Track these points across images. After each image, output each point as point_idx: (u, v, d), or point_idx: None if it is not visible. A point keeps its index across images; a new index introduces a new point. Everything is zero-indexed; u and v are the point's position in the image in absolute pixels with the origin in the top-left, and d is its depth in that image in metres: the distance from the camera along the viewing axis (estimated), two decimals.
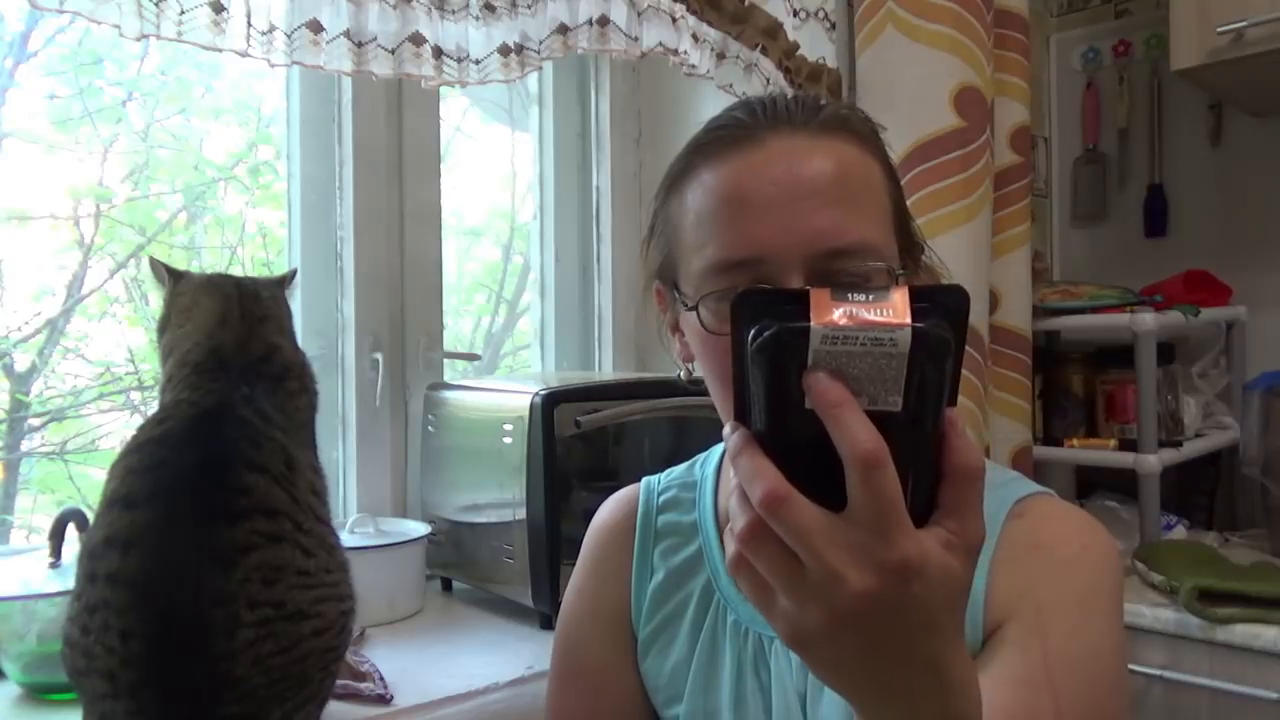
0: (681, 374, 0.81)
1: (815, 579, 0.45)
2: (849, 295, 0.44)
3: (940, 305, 0.45)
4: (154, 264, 0.99)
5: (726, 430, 0.48)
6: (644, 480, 0.91)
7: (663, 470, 0.92)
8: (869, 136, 0.72)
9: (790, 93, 0.77)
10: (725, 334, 0.65)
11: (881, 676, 0.47)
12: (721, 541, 0.83)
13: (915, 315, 0.44)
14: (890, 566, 0.44)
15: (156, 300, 0.99)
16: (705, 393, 0.78)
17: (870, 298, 0.44)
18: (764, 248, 0.66)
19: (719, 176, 0.70)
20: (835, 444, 0.44)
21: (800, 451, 0.46)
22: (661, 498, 0.88)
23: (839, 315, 0.44)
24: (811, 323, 0.44)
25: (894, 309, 0.44)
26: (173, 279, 0.97)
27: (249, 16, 1.01)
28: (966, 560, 0.47)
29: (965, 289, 0.46)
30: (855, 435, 0.43)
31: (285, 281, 1.03)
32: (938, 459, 0.46)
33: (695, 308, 0.69)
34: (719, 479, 0.86)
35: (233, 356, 0.92)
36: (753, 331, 0.45)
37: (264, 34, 1.03)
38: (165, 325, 0.96)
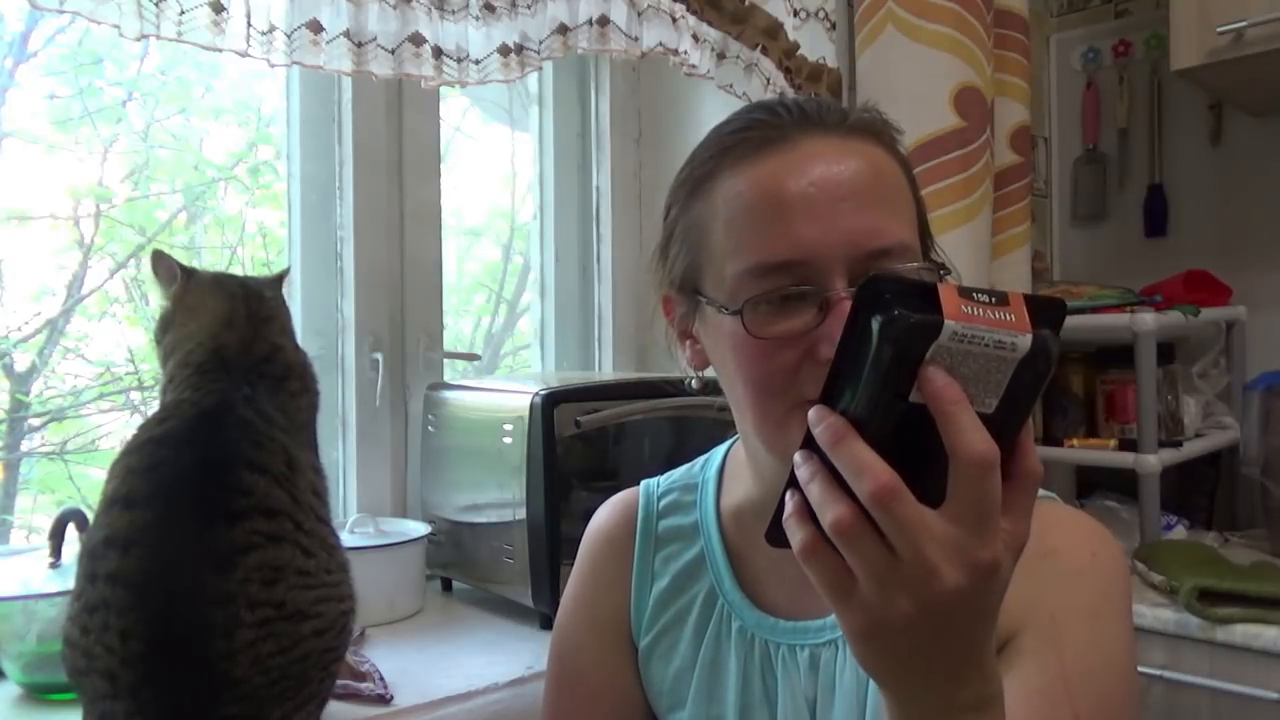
0: (692, 381, 0.79)
1: (910, 572, 0.46)
2: (974, 295, 0.45)
3: (1046, 316, 0.46)
4: (163, 259, 0.96)
5: (813, 415, 0.48)
6: (642, 484, 0.90)
7: (662, 471, 0.91)
8: (891, 140, 0.72)
9: (806, 96, 0.76)
10: (769, 337, 0.65)
11: (936, 666, 0.49)
12: (726, 545, 0.82)
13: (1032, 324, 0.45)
14: (981, 566, 0.47)
15: (157, 298, 0.98)
16: (705, 393, 0.78)
17: (993, 300, 0.45)
18: (806, 249, 0.65)
19: (752, 178, 0.68)
20: (946, 442, 0.45)
21: (890, 441, 0.46)
22: (662, 502, 0.87)
23: (968, 313, 0.44)
24: (945, 318, 0.44)
25: (1015, 314, 0.45)
26: (183, 276, 0.96)
27: (249, 17, 1.01)
28: (1014, 560, 0.49)
29: (1065, 302, 0.48)
30: (971, 437, 0.45)
31: (281, 280, 1.03)
32: (1005, 460, 0.47)
33: (740, 312, 0.67)
34: (721, 481, 0.86)
35: (235, 357, 0.92)
36: (882, 318, 0.45)
37: (264, 34, 1.03)
38: (169, 322, 0.95)
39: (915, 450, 0.46)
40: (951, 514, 0.46)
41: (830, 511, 0.47)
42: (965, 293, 0.45)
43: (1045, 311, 0.46)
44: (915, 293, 0.45)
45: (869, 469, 0.46)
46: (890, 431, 0.46)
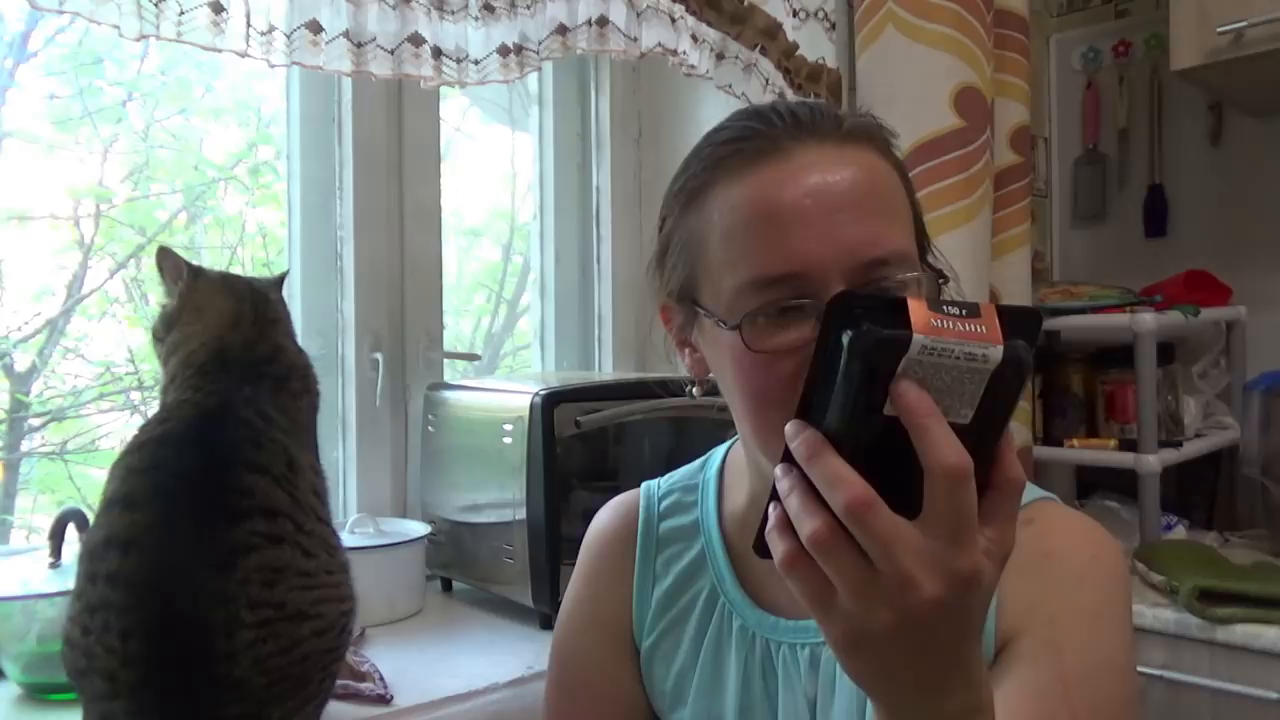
0: (695, 390, 0.79)
1: (888, 584, 0.47)
2: (944, 308, 0.46)
3: (1020, 326, 0.46)
4: (170, 256, 0.95)
5: (790, 430, 0.49)
6: (643, 486, 0.90)
7: (663, 472, 0.91)
8: (886, 145, 0.72)
9: (797, 99, 0.75)
10: (768, 351, 0.65)
11: (922, 676, 0.50)
12: (727, 546, 0.82)
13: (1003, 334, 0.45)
14: (960, 575, 0.47)
15: (160, 295, 0.97)
16: (705, 394, 0.78)
17: (963, 312, 0.46)
18: (803, 261, 0.64)
19: (748, 190, 0.67)
20: (920, 454, 0.46)
21: (868, 455, 0.47)
22: (663, 504, 0.87)
23: (938, 326, 0.45)
24: (914, 333, 0.45)
25: (986, 326, 0.45)
26: (191, 274, 0.95)
27: (248, 17, 1.01)
28: (998, 568, 0.49)
29: (1041, 312, 0.49)
30: (943, 449, 0.45)
31: (282, 282, 1.03)
32: (985, 470, 0.48)
33: (738, 326, 0.66)
34: (722, 482, 0.86)
35: (237, 357, 0.92)
36: (851, 334, 0.46)
37: (263, 34, 1.03)
38: (174, 321, 0.94)
39: (892, 463, 0.46)
40: (927, 525, 0.47)
41: (807, 524, 0.48)
42: (935, 306, 0.46)
43: (1019, 322, 0.46)
44: (885, 307, 0.46)
45: (843, 482, 0.46)
46: (866, 445, 0.47)
